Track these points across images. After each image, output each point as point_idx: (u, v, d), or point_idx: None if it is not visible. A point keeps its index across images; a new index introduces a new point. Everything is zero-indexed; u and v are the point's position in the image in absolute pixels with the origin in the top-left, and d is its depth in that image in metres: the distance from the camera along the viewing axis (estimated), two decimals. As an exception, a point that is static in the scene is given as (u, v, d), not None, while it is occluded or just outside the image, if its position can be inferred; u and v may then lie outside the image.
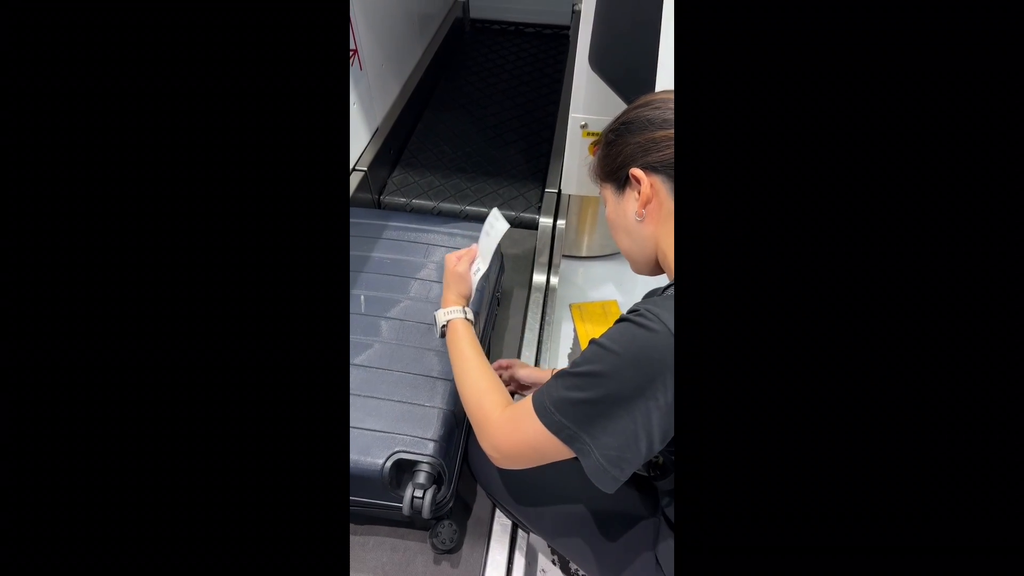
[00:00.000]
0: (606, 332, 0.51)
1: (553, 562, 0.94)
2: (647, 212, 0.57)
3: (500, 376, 0.87)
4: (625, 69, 0.88)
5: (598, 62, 0.96)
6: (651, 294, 0.61)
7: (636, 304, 0.51)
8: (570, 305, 1.39)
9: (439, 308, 0.77)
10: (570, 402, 0.51)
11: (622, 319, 0.51)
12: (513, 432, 0.56)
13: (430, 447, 0.75)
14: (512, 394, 0.89)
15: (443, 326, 0.75)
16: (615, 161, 0.59)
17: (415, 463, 0.74)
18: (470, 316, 0.75)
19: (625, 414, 0.48)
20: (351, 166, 1.36)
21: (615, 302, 1.39)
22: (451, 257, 0.80)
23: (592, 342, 0.52)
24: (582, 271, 1.49)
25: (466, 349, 0.69)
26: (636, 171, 0.56)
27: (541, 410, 0.53)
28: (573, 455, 0.52)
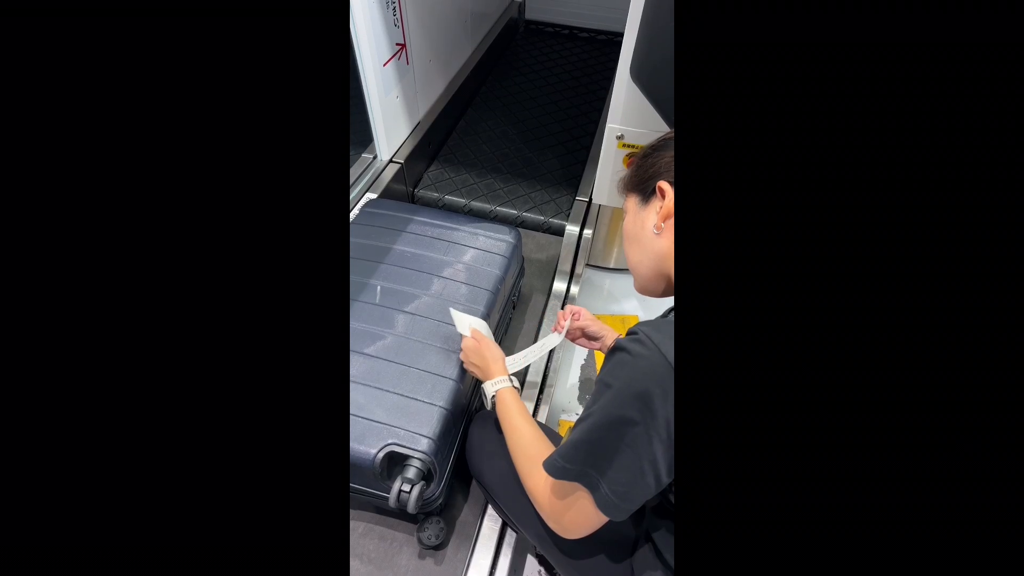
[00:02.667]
0: (603, 366, 0.52)
1: (539, 573, 0.94)
2: (665, 227, 0.56)
3: (570, 322, 0.87)
4: (665, 84, 0.86)
5: (638, 74, 0.94)
6: (668, 312, 0.60)
7: (635, 326, 0.50)
8: (590, 316, 1.37)
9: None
10: (573, 446, 0.52)
11: (614, 348, 0.50)
12: (555, 501, 0.58)
13: (423, 443, 0.75)
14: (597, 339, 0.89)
15: (492, 397, 0.76)
16: (647, 172, 0.59)
17: (407, 457, 0.75)
18: (516, 384, 0.77)
19: (628, 448, 0.48)
20: (389, 158, 1.39)
21: (636, 317, 1.37)
22: (469, 341, 0.83)
23: (596, 381, 0.53)
24: (608, 282, 1.47)
25: (515, 419, 0.70)
26: (663, 184, 0.55)
27: (551, 467, 0.55)
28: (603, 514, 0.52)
